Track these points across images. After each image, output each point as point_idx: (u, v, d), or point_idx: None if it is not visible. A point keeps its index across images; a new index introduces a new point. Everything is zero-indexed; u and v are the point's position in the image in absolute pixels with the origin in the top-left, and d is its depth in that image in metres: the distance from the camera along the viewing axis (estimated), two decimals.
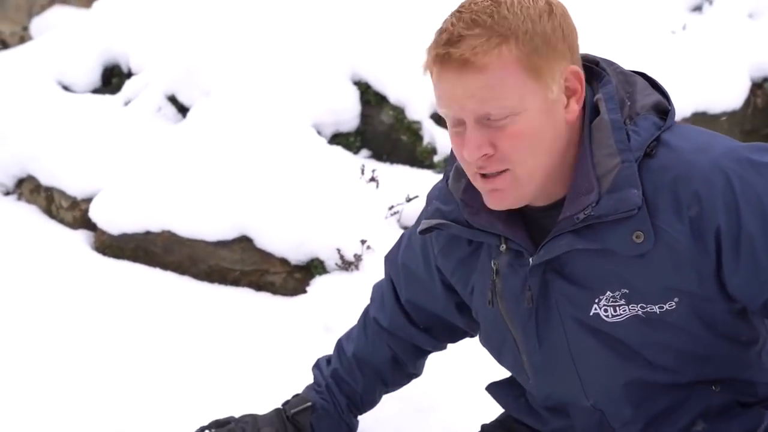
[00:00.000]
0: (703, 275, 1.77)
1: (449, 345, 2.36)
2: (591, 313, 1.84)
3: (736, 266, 1.75)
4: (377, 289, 2.37)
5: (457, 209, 1.91)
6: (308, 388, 2.44)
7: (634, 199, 1.74)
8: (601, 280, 1.82)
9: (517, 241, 1.85)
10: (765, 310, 1.78)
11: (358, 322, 2.41)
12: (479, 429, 2.18)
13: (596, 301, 1.83)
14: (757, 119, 4.47)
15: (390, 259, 2.25)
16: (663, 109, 1.82)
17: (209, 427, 2.40)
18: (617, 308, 1.82)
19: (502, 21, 1.70)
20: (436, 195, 2.00)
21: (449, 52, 1.70)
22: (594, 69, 1.85)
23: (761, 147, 1.80)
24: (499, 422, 2.17)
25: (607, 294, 1.82)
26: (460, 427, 2.23)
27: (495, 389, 2.16)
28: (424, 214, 2.01)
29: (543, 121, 1.74)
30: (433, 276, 2.10)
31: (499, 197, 1.79)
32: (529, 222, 1.87)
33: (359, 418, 2.45)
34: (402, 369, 2.35)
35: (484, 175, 1.78)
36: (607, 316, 1.83)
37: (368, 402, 2.41)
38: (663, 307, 1.80)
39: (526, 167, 1.76)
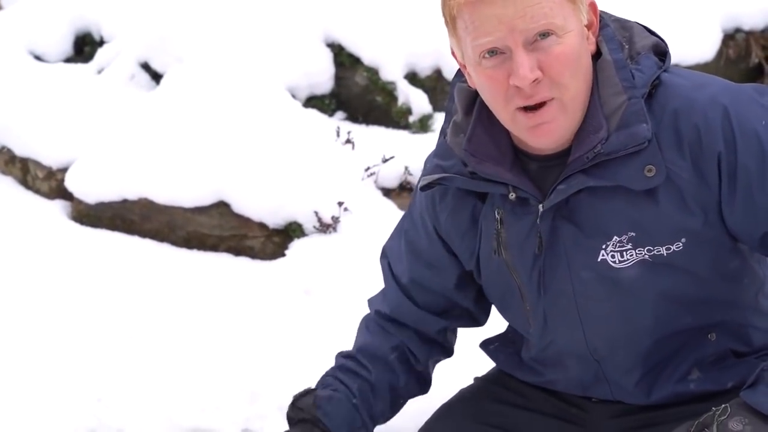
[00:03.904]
0: (707, 211, 1.80)
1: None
2: (599, 259, 1.86)
3: (732, 200, 1.78)
4: (373, 297, 2.22)
5: (457, 164, 1.90)
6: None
7: (644, 132, 1.77)
8: (609, 225, 1.84)
9: (524, 188, 1.86)
10: (763, 246, 1.82)
11: (358, 329, 2.21)
12: (472, 381, 2.21)
13: (603, 246, 1.85)
14: (730, 70, 4.47)
15: (388, 248, 2.17)
16: (661, 51, 1.86)
17: None
18: (624, 253, 1.84)
19: None
20: (433, 153, 1.98)
21: None
22: None
23: (760, 87, 1.84)
24: (491, 375, 2.19)
25: (614, 239, 1.84)
26: (454, 379, 2.25)
27: (488, 345, 2.18)
28: (423, 173, 2.00)
29: (581, 44, 1.79)
30: (435, 246, 2.06)
31: (547, 129, 1.80)
32: (533, 173, 1.88)
33: None
34: (409, 363, 2.15)
35: (526, 111, 1.78)
36: (614, 262, 1.85)
37: (381, 398, 2.13)
38: (670, 248, 1.82)
39: (570, 92, 1.77)
